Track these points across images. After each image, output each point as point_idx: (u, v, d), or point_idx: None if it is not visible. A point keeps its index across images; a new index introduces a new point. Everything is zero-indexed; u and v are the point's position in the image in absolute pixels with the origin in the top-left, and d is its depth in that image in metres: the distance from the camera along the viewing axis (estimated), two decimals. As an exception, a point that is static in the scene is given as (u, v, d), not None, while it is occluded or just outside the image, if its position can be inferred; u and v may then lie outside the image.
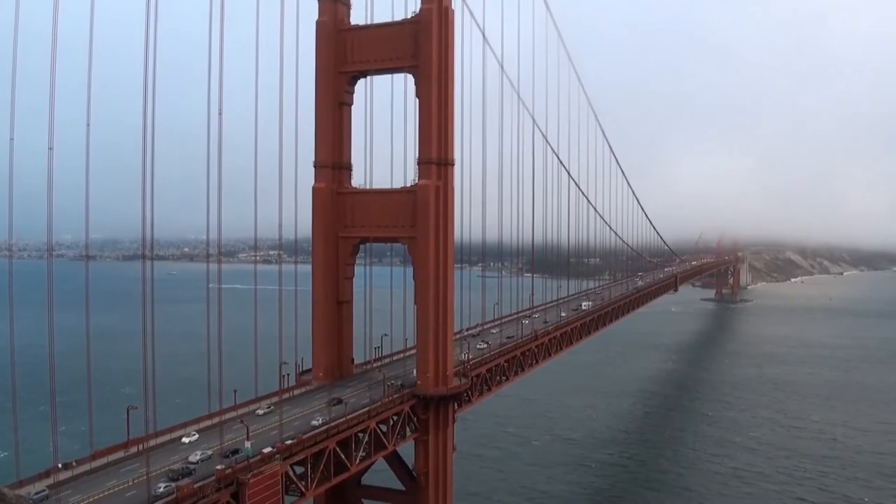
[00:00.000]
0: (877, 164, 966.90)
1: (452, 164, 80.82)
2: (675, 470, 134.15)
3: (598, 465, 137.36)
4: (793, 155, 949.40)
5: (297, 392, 79.26)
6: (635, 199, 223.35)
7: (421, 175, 79.45)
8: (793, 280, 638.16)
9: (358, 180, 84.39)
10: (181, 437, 64.30)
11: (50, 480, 53.30)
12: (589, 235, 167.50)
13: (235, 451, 58.74)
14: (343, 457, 66.68)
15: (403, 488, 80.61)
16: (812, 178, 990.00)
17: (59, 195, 50.77)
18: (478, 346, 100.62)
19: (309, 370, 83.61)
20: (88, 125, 53.56)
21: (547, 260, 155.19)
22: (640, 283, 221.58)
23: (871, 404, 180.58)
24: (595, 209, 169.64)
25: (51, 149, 50.28)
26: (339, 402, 73.12)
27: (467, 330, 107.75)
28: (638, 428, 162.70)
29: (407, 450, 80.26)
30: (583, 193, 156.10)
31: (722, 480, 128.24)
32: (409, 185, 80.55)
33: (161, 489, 51.57)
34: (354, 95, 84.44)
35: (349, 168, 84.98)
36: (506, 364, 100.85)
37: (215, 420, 67.12)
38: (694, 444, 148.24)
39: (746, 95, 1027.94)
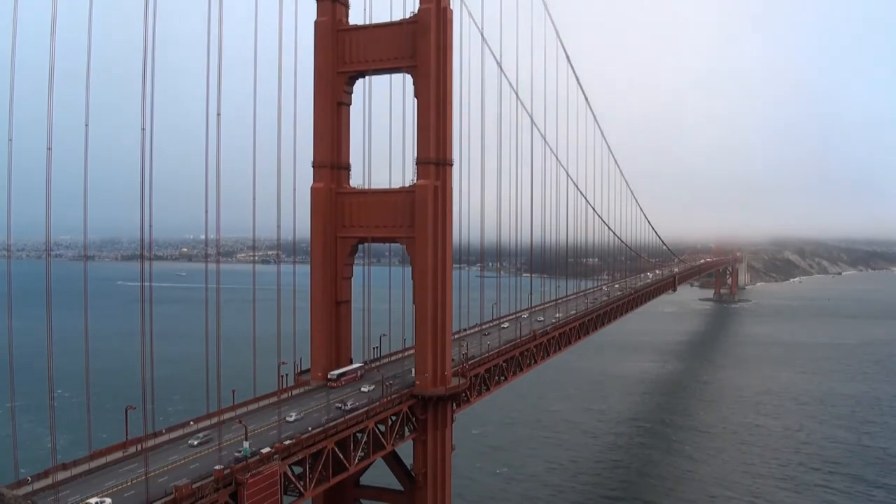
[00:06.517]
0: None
1: (451, 164, 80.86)
2: (663, 473, 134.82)
3: (596, 464, 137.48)
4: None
5: (295, 392, 79.27)
6: (634, 199, 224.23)
7: (419, 175, 79.43)
8: (792, 280, 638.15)
9: (356, 180, 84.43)
10: (182, 436, 64.27)
11: (49, 480, 53.28)
12: (587, 235, 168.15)
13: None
14: (342, 457, 66.69)
15: (402, 488, 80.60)
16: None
17: (58, 195, 50.74)
18: (538, 319, 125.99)
19: (307, 370, 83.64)
20: (86, 125, 53.51)
21: (545, 260, 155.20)
22: (637, 284, 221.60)
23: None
24: (593, 209, 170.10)
25: (49, 149, 50.23)
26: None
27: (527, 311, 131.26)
28: (626, 430, 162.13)
29: (405, 450, 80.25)
30: (581, 193, 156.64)
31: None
32: (407, 185, 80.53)
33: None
34: (353, 95, 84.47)
35: (347, 168, 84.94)
36: (504, 364, 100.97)
37: (214, 420, 67.13)
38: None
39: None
